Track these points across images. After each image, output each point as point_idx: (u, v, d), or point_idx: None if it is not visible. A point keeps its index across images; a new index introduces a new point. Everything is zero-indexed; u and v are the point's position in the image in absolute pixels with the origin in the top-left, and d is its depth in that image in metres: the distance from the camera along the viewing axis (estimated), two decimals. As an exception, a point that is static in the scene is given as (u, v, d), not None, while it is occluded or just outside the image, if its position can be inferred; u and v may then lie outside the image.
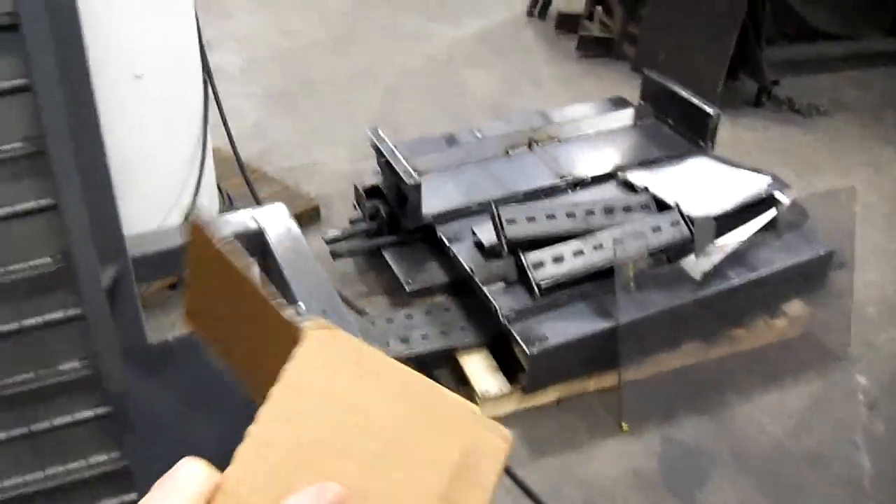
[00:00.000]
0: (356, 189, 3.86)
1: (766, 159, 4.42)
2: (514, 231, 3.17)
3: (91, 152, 1.35)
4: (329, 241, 3.73)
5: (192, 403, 1.64)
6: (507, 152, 3.95)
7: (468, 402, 0.67)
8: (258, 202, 3.68)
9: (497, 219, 3.18)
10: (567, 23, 6.05)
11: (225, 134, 3.92)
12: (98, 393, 1.47)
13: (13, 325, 1.40)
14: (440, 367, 3.38)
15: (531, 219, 3.22)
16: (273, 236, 1.85)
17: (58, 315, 1.42)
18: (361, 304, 3.66)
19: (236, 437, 0.59)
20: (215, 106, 3.73)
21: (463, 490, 0.62)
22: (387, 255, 3.66)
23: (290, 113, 4.99)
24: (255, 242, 1.87)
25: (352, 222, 3.88)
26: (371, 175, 3.88)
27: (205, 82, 3.68)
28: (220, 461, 0.60)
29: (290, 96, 5.18)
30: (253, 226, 1.89)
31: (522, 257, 3.13)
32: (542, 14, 6.33)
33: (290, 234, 1.87)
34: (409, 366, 0.67)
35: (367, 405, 0.65)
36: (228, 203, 3.84)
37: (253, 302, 0.73)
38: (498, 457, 0.65)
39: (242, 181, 3.96)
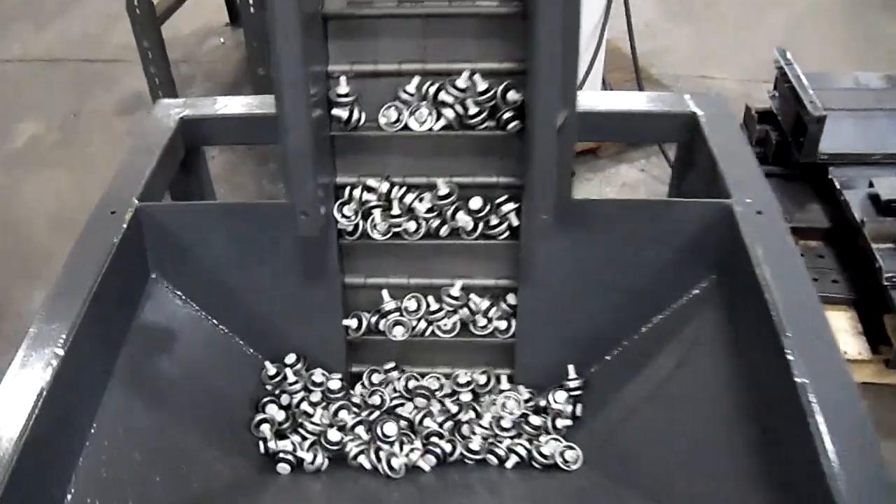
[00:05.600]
0: (747, 110, 3.64)
1: None
2: (924, 190, 2.84)
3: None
4: (705, 157, 3.60)
5: (583, 267, 1.63)
6: (927, 106, 3.52)
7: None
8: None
9: (906, 173, 2.87)
10: None
11: (615, 26, 3.83)
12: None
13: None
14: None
15: (946, 182, 2.86)
16: (708, 122, 1.75)
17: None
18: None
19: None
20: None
21: None
22: (764, 186, 3.47)
23: (687, 22, 4.81)
24: (687, 125, 1.79)
25: (733, 144, 3.72)
26: (764, 100, 3.66)
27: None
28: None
29: (689, 5, 4.98)
30: (687, 109, 1.80)
31: (925, 221, 2.81)
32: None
33: (728, 123, 1.77)
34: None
35: None
36: (611, 97, 3.79)
37: None
38: None
39: (625, 76, 3.88)
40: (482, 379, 1.74)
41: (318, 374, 1.72)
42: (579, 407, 1.67)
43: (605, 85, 3.77)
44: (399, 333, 1.70)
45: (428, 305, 1.70)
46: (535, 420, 1.66)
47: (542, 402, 1.70)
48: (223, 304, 1.71)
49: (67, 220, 3.54)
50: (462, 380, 1.74)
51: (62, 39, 5.30)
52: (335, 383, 1.71)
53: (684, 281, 1.60)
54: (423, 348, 1.76)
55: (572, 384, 1.68)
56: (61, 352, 1.31)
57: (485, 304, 1.69)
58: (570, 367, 1.70)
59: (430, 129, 1.52)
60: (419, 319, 1.70)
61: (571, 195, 1.52)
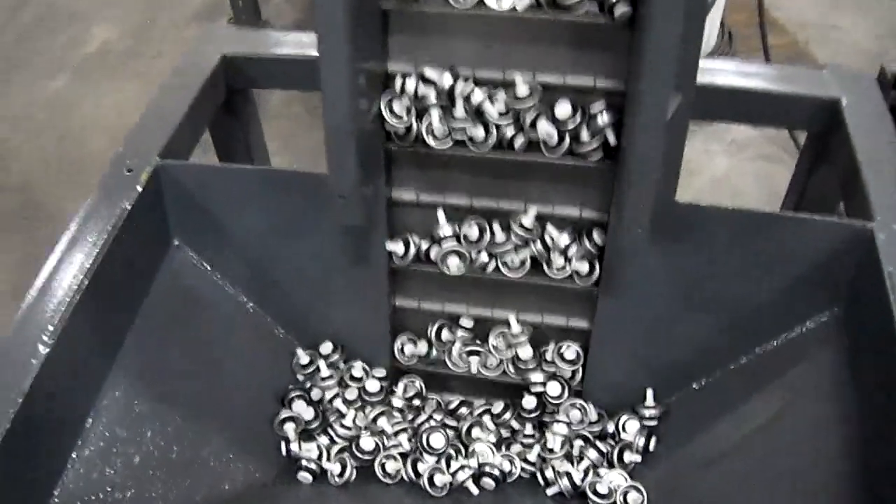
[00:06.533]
0: (882, 72, 3.21)
1: None
2: None
3: None
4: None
5: (679, 279, 1.35)
6: None
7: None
8: (766, 52, 3.19)
9: None
10: None
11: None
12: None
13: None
14: None
15: None
16: (852, 112, 1.43)
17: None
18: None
19: None
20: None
21: None
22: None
23: (817, -40, 4.30)
24: (825, 112, 1.47)
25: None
26: (902, 60, 3.21)
27: None
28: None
29: (821, -60, 4.46)
30: (826, 92, 1.48)
31: None
32: None
33: (879, 117, 1.45)
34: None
35: None
36: (728, 42, 3.39)
37: None
38: None
39: (746, 19, 3.49)
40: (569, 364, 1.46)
41: (357, 368, 1.49)
42: (653, 441, 1.41)
43: (722, 29, 3.38)
44: (454, 266, 1.35)
45: (493, 234, 1.35)
46: (602, 447, 1.42)
47: (610, 429, 1.45)
48: (254, 277, 1.48)
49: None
50: (516, 329, 1.43)
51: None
52: (373, 384, 1.47)
53: (800, 311, 1.30)
54: (481, 287, 1.44)
55: (648, 412, 1.42)
56: (50, 340, 1.13)
57: (564, 239, 1.33)
58: (649, 392, 1.44)
59: (514, 9, 1.13)
60: (480, 251, 1.36)
61: (675, 196, 1.25)
